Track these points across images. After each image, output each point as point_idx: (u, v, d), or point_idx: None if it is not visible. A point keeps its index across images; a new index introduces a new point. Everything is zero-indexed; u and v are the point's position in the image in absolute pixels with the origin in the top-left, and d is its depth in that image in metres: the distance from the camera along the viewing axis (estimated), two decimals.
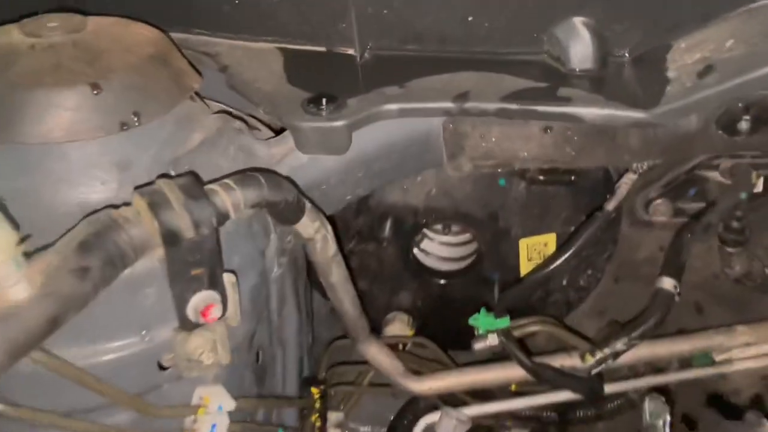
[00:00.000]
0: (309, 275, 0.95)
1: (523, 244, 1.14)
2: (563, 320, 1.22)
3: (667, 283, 0.95)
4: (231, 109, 0.78)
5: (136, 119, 0.63)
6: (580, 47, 0.65)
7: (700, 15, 0.61)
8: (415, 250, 1.22)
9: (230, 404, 0.68)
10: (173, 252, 0.55)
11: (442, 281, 1.21)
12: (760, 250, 1.20)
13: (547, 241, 1.15)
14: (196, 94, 0.73)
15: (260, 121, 0.84)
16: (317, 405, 0.93)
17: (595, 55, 0.65)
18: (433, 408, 1.09)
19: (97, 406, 0.62)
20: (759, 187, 1.09)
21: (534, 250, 1.15)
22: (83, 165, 0.62)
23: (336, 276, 0.80)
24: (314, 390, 0.93)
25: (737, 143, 0.71)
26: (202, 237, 0.55)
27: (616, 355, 0.95)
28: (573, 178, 1.04)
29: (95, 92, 0.61)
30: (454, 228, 1.21)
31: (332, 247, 0.76)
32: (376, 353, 1.02)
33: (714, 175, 1.08)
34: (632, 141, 0.71)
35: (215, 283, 0.59)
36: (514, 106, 0.63)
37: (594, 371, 0.95)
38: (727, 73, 0.57)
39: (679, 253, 0.99)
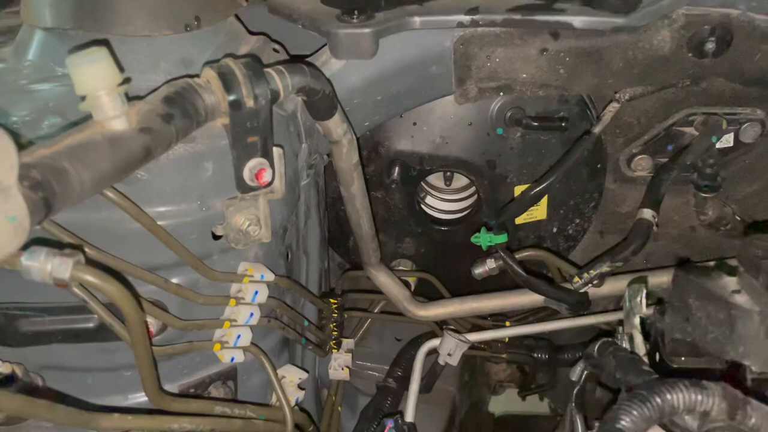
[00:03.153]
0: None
1: (519, 190, 1.26)
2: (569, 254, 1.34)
3: (646, 213, 1.07)
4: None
5: (197, 23, 0.75)
6: None
7: None
8: (422, 205, 1.34)
9: (270, 276, 0.78)
10: (236, 117, 0.66)
11: (445, 228, 1.33)
12: (733, 203, 1.34)
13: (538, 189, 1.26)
14: (240, 21, 0.85)
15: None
16: (335, 314, 1.03)
17: None
18: (434, 336, 1.20)
19: (160, 265, 0.72)
20: (729, 142, 1.22)
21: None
22: (153, 57, 0.73)
23: (357, 186, 0.91)
24: (333, 300, 1.03)
25: (706, 65, 0.83)
26: (259, 107, 0.66)
27: (602, 275, 1.06)
28: (564, 124, 1.16)
29: None
30: (454, 185, 1.33)
31: (356, 154, 0.87)
32: (386, 278, 1.13)
33: (690, 130, 1.22)
34: (615, 63, 0.83)
35: (267, 152, 0.69)
36: (517, 16, 0.75)
37: (582, 290, 1.06)
38: None
39: (657, 189, 1.11)
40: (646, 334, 0.85)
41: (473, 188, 1.29)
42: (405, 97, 0.91)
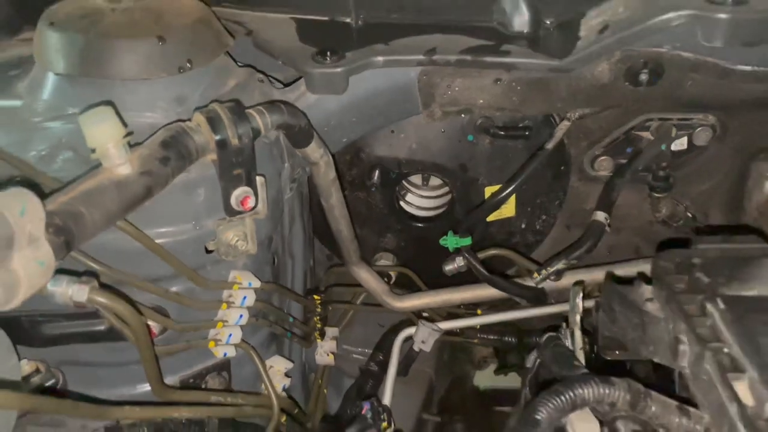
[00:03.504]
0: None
1: (489, 190, 1.37)
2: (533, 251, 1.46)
3: (600, 215, 1.19)
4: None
5: (189, 65, 0.85)
6: (518, 16, 0.87)
7: None
8: (401, 202, 1.45)
9: (257, 282, 0.90)
10: (223, 155, 0.77)
11: (422, 225, 1.44)
12: (686, 200, 1.45)
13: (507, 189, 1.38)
14: (229, 55, 0.95)
15: (274, 79, 1.07)
16: (319, 309, 1.15)
17: (530, 22, 0.87)
18: (411, 324, 1.32)
19: (161, 277, 0.84)
20: (684, 145, 1.33)
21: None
22: (150, 97, 0.84)
23: (335, 198, 1.03)
24: (316, 297, 1.16)
25: (641, 93, 0.93)
26: (243, 145, 0.78)
27: (558, 272, 1.18)
28: (527, 133, 1.27)
29: (160, 43, 0.83)
30: (431, 183, 1.44)
31: (332, 172, 0.99)
32: (366, 275, 1.25)
33: (646, 135, 1.32)
34: (561, 91, 0.94)
35: (251, 181, 0.81)
36: (468, 57, 0.85)
37: (539, 285, 1.18)
38: (616, 30, 0.79)
39: (610, 193, 1.22)
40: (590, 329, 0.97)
41: (448, 185, 1.41)
42: (377, 118, 1.02)
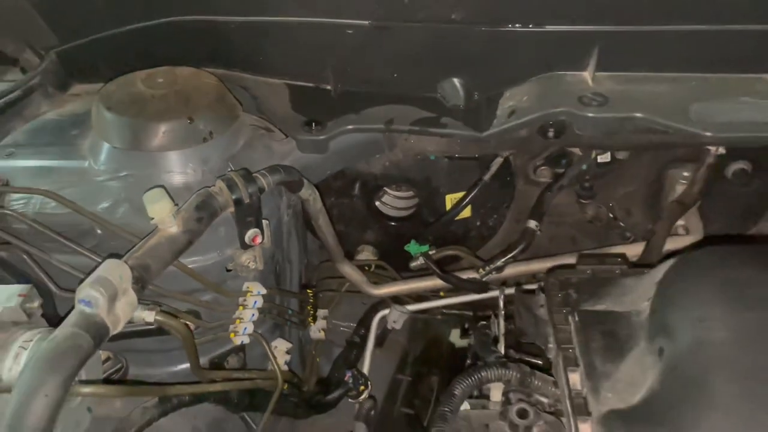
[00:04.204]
0: (306, 225, 1.49)
1: (449, 198, 1.68)
2: (480, 249, 1.78)
3: (531, 223, 1.51)
4: (258, 120, 1.30)
5: (211, 135, 1.16)
6: (454, 93, 1.17)
7: (517, 78, 1.13)
8: (378, 203, 1.76)
9: (263, 290, 1.23)
10: (238, 209, 1.08)
11: (395, 224, 1.77)
12: (612, 202, 1.77)
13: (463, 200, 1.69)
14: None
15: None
16: (311, 300, 1.49)
17: (464, 98, 1.17)
18: (387, 306, 1.66)
19: (197, 289, 1.16)
20: (608, 158, 1.64)
21: (455, 202, 1.69)
22: (183, 162, 1.15)
23: (322, 220, 1.35)
24: (309, 290, 1.49)
25: (550, 143, 1.24)
26: (252, 201, 1.09)
27: (499, 269, 1.51)
28: (477, 156, 1.58)
29: (189, 122, 1.14)
30: (403, 189, 1.75)
31: (319, 203, 1.30)
32: (348, 269, 1.58)
33: (576, 150, 1.63)
34: (493, 143, 1.24)
35: (259, 224, 1.12)
36: (416, 128, 1.15)
37: (484, 278, 1.52)
38: (519, 116, 1.09)
39: (541, 204, 1.54)
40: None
41: (414, 193, 1.72)
42: (353, 159, 1.33)
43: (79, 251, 1.07)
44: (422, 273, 1.66)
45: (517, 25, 1.06)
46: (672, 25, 1.01)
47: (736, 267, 0.84)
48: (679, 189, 1.63)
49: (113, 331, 0.86)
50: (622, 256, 1.13)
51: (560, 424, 0.96)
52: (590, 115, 1.03)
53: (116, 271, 0.85)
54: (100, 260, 1.01)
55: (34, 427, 0.73)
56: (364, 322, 1.70)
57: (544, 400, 1.01)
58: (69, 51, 1.33)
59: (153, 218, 0.98)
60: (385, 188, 1.76)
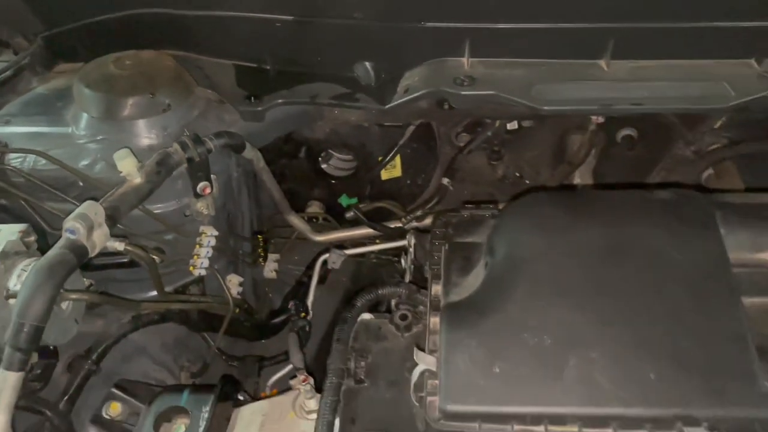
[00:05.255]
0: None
1: (380, 159, 1.99)
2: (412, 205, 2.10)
3: (445, 180, 1.82)
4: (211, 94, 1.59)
5: (169, 107, 1.45)
6: (366, 74, 1.46)
7: (412, 63, 1.42)
8: (325, 165, 2.07)
9: (215, 232, 1.54)
10: (191, 166, 1.38)
11: (336, 182, 2.07)
12: (523, 161, 2.08)
13: (396, 159, 2.00)
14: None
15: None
16: (262, 244, 1.80)
17: (374, 78, 1.46)
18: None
19: (162, 231, 1.47)
20: (516, 125, 1.94)
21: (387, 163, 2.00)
22: (147, 129, 1.44)
23: (266, 177, 1.65)
24: (259, 236, 1.80)
25: (445, 112, 1.53)
26: (202, 159, 1.39)
27: (417, 217, 1.83)
28: (401, 124, 1.88)
29: (151, 96, 1.43)
30: (344, 152, 2.05)
31: (262, 162, 1.60)
32: (295, 219, 1.89)
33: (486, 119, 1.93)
34: (402, 113, 1.54)
35: (208, 178, 1.43)
36: (335, 102, 1.45)
37: (406, 226, 1.83)
38: (411, 92, 1.39)
39: (453, 164, 1.85)
40: None
41: (353, 156, 2.03)
42: (288, 127, 1.63)
43: (65, 199, 1.37)
44: (359, 223, 1.98)
45: (409, 22, 1.35)
46: (525, 23, 1.31)
47: (544, 206, 1.15)
48: (574, 151, 1.94)
49: (91, 254, 1.16)
50: (496, 203, 1.44)
51: None
52: (462, 92, 1.33)
53: (92, 209, 1.15)
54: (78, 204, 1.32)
55: (36, 315, 1.04)
56: (311, 265, 2.02)
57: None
58: (53, 36, 1.61)
59: (122, 172, 1.28)
60: (331, 152, 2.07)
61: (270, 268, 1.94)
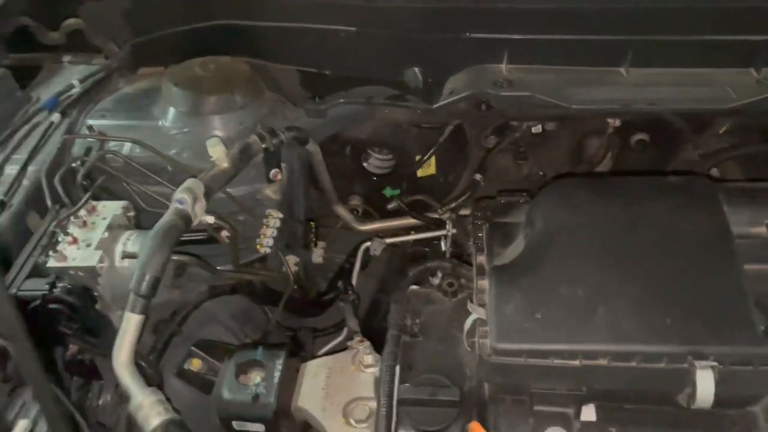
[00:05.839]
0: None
1: (418, 157, 2.21)
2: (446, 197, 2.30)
3: (477, 176, 2.04)
4: (277, 95, 1.82)
5: (245, 105, 1.68)
6: (415, 79, 1.69)
7: (456, 69, 1.65)
8: (365, 164, 2.29)
9: (280, 215, 1.76)
10: (266, 154, 1.61)
11: (377, 178, 2.29)
12: (545, 162, 2.29)
13: (431, 159, 2.21)
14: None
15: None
16: (313, 230, 2.02)
17: (422, 82, 1.68)
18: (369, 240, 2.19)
19: (236, 212, 1.69)
20: (540, 129, 2.16)
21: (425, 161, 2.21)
22: (225, 123, 1.67)
23: (322, 169, 1.87)
24: (311, 223, 2.02)
25: (483, 113, 1.75)
26: (275, 149, 1.61)
27: (453, 209, 2.04)
28: (438, 125, 2.10)
29: (231, 95, 1.66)
30: (384, 152, 2.27)
31: (320, 156, 1.83)
32: (341, 210, 2.11)
33: (515, 123, 2.15)
34: (444, 114, 1.76)
35: (279, 166, 1.65)
36: (389, 102, 1.68)
37: (441, 216, 2.04)
38: (455, 94, 1.61)
39: (484, 162, 2.07)
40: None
41: (392, 155, 2.25)
42: (344, 125, 1.86)
43: (159, 182, 1.59)
44: (397, 215, 2.20)
45: (454, 33, 1.58)
46: (556, 35, 1.54)
47: (573, 187, 1.37)
48: (592, 153, 2.16)
49: (194, 222, 1.38)
50: (527, 191, 1.66)
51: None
52: (501, 93, 1.56)
53: (196, 185, 1.38)
54: (173, 188, 1.55)
55: (156, 268, 1.25)
56: (353, 254, 2.23)
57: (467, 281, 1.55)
58: (140, 43, 1.84)
59: (212, 156, 1.51)
60: (370, 152, 2.29)
61: (317, 254, 2.15)
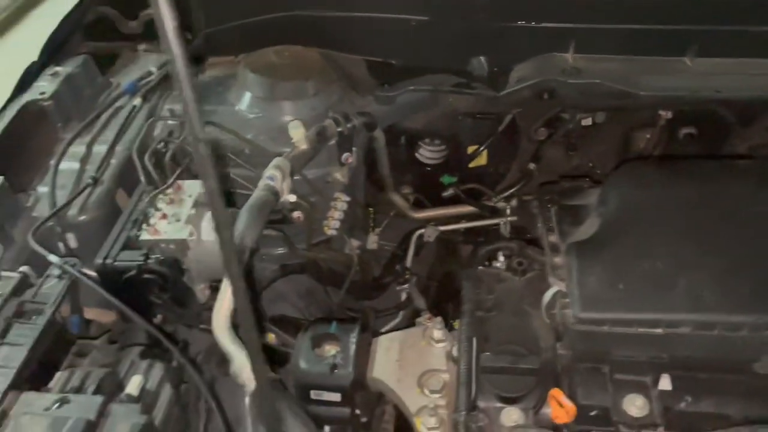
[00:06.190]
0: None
1: (470, 149, 2.27)
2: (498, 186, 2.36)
3: (531, 165, 2.10)
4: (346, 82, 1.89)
5: (317, 91, 1.75)
6: (480, 67, 1.75)
7: (522, 58, 1.71)
8: (416, 154, 2.35)
9: (347, 198, 1.82)
10: (340, 138, 1.67)
11: (429, 168, 2.36)
12: (594, 155, 2.35)
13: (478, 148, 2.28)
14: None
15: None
16: (372, 215, 2.09)
17: (487, 70, 1.75)
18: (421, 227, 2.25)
19: (305, 193, 1.76)
20: (590, 122, 2.23)
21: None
22: (299, 108, 1.74)
23: (383, 156, 1.94)
24: (370, 209, 2.09)
25: (545, 102, 1.82)
26: (348, 133, 1.68)
27: (507, 198, 2.10)
28: (493, 116, 2.16)
29: (305, 81, 1.73)
30: (436, 143, 2.34)
31: (383, 142, 1.89)
32: (396, 197, 2.17)
33: (565, 116, 2.21)
34: (506, 99, 1.83)
35: (351, 149, 1.72)
36: (455, 89, 1.74)
37: (495, 204, 2.11)
38: (522, 82, 1.68)
39: (538, 152, 2.13)
40: None
41: (444, 146, 2.31)
42: (408, 112, 1.92)
43: (238, 163, 1.66)
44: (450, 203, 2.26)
45: (522, 22, 1.65)
46: (622, 24, 1.60)
47: (647, 167, 1.43)
48: (640, 147, 2.22)
49: (281, 198, 1.45)
50: (589, 178, 1.72)
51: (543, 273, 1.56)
52: (569, 81, 1.62)
53: (284, 163, 1.45)
54: (251, 168, 1.63)
55: (251, 237, 1.32)
56: (404, 241, 2.29)
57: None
58: (213, 33, 1.92)
59: (293, 139, 1.58)
60: (420, 143, 2.36)
61: (371, 240, 2.22)
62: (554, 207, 1.58)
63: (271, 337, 1.67)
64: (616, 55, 1.66)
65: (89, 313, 1.50)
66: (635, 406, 1.23)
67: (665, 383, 1.26)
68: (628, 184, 1.42)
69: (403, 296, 2.14)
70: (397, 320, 1.95)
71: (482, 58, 1.76)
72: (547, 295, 1.34)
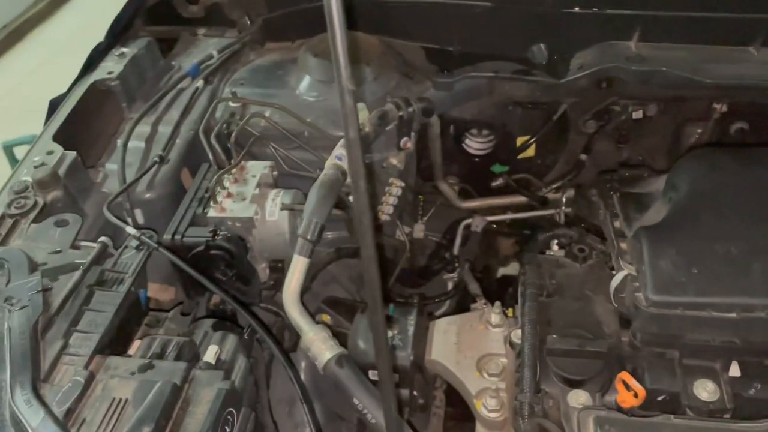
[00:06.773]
0: None
1: (519, 140, 2.27)
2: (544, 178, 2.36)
3: (583, 156, 2.10)
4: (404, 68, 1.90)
5: (376, 76, 1.76)
6: (540, 55, 1.75)
7: (584, 45, 1.71)
8: (463, 144, 2.36)
9: (402, 183, 1.83)
10: (400, 122, 1.68)
11: (476, 159, 2.36)
12: (642, 149, 2.34)
13: (530, 139, 2.28)
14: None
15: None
16: (421, 203, 2.10)
17: (547, 58, 1.75)
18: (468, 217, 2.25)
19: None
20: (640, 115, 2.21)
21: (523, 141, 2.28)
22: (359, 93, 1.75)
23: (437, 143, 1.95)
24: (421, 196, 2.10)
25: (602, 91, 1.81)
26: (409, 117, 1.69)
27: (557, 188, 2.10)
28: (544, 106, 2.16)
29: (366, 66, 1.74)
30: (483, 133, 2.34)
31: (438, 129, 1.90)
32: (444, 186, 2.18)
33: (616, 108, 2.20)
34: (565, 87, 1.82)
35: (409, 134, 1.73)
36: (515, 76, 1.75)
37: (545, 194, 2.10)
38: (585, 69, 1.67)
39: (589, 143, 2.13)
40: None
41: (493, 136, 2.31)
42: (464, 99, 1.93)
43: (299, 145, 1.68)
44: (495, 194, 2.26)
45: (586, 9, 1.65)
46: (688, 11, 1.59)
47: (716, 154, 1.42)
48: (691, 141, 2.20)
49: (347, 179, 1.46)
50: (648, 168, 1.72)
51: (604, 260, 1.55)
52: (633, 68, 1.61)
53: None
54: (311, 150, 1.64)
55: (322, 216, 1.33)
56: (450, 231, 2.30)
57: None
58: (271, 19, 1.94)
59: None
60: (466, 133, 2.36)
61: (418, 229, 2.22)
62: (616, 194, 1.58)
63: (326, 318, 1.68)
64: (679, 44, 1.65)
65: (150, 289, 1.52)
66: (706, 390, 1.22)
67: (734, 369, 1.25)
68: (699, 169, 1.41)
69: (450, 285, 2.15)
70: (443, 308, 1.95)
71: (542, 45, 1.76)
72: (616, 279, 1.34)
